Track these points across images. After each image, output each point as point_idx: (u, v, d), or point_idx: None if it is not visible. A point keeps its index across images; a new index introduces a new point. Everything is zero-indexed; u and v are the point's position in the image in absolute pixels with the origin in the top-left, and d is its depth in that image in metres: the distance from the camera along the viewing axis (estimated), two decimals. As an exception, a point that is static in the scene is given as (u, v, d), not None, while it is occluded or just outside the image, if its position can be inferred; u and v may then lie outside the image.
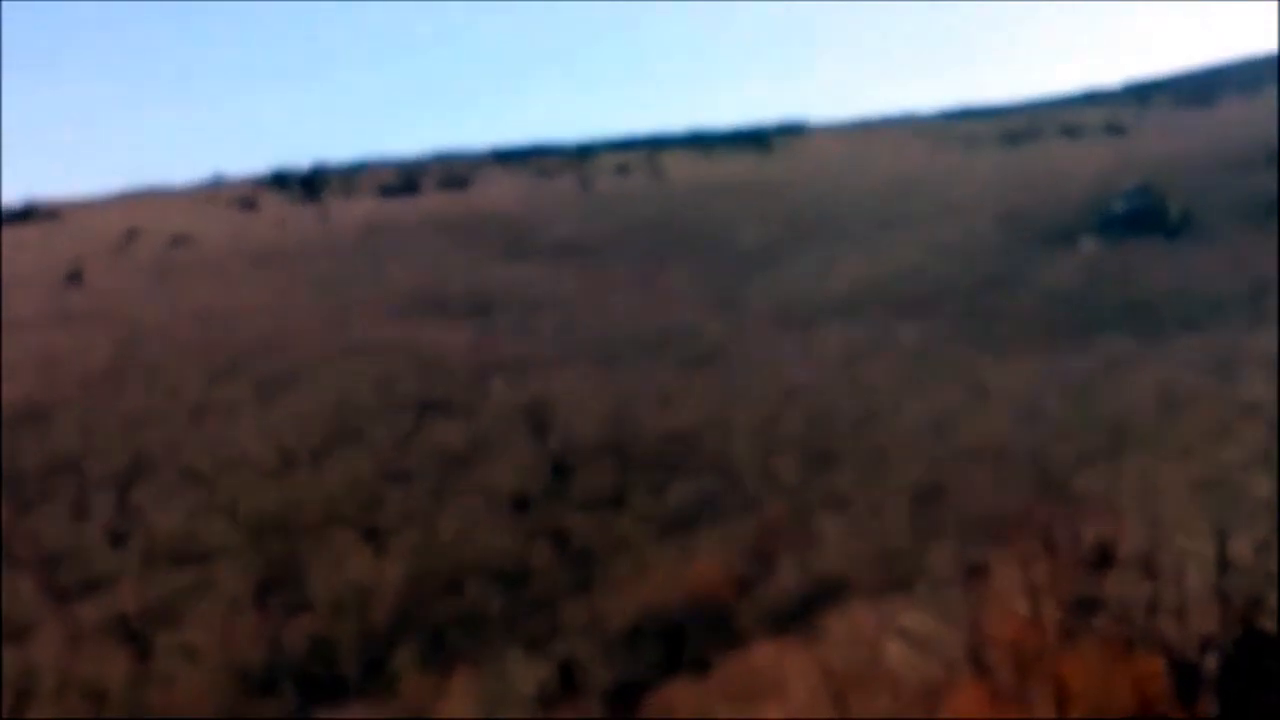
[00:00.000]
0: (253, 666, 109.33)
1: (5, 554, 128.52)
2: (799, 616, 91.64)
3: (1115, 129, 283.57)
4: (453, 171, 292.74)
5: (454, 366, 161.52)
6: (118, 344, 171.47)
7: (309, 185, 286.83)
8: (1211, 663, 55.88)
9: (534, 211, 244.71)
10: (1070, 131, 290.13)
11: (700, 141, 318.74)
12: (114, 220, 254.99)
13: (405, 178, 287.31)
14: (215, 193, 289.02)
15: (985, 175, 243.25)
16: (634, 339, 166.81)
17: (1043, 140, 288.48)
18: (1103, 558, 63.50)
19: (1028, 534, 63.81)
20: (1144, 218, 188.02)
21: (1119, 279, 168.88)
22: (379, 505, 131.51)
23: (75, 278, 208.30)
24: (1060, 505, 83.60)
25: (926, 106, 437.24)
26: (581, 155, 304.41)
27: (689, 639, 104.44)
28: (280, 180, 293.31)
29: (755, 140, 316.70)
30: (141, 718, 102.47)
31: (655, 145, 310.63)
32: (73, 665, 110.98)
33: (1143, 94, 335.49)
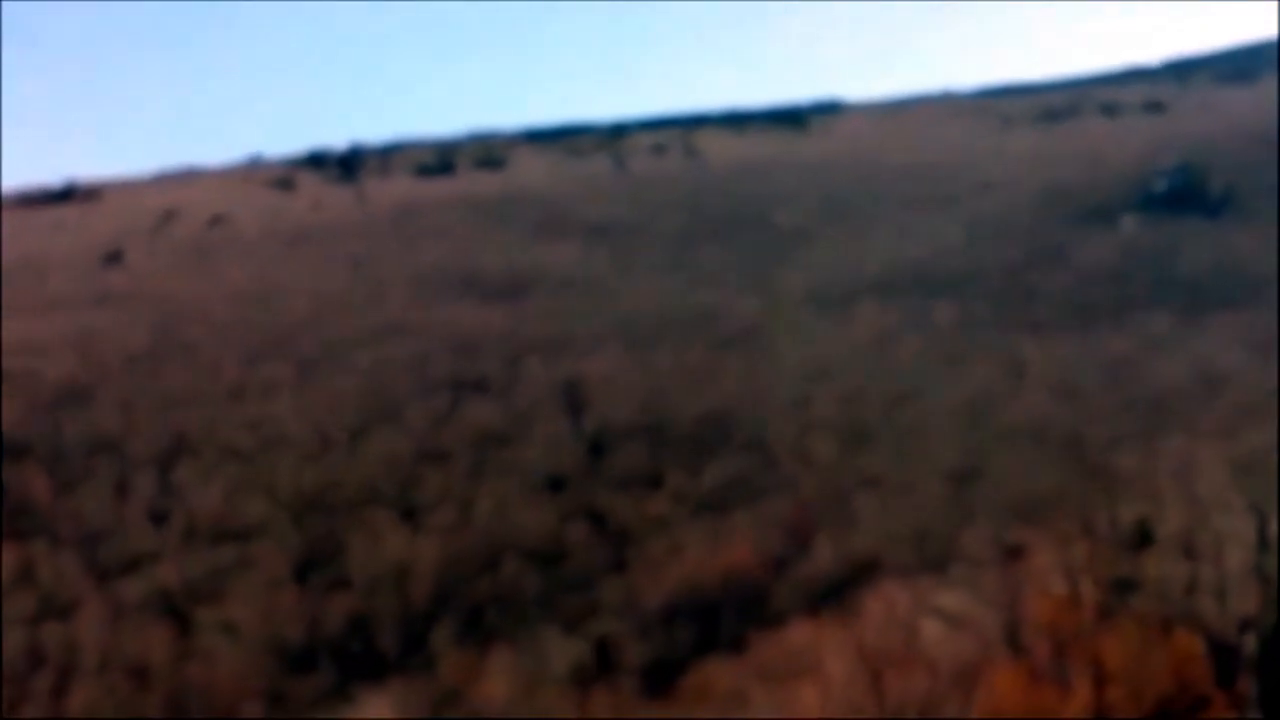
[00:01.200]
0: (292, 643, 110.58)
1: (48, 532, 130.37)
2: (834, 596, 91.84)
3: (1155, 107, 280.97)
4: (488, 151, 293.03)
5: (489, 347, 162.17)
6: (156, 324, 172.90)
7: (345, 165, 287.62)
8: (1250, 643, 55.69)
9: (568, 191, 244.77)
10: (1109, 109, 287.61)
11: (735, 120, 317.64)
12: (152, 201, 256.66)
13: (441, 158, 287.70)
14: (252, 173, 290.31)
15: (1023, 154, 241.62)
16: (668, 319, 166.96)
17: (1081, 118, 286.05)
18: (1141, 538, 63.30)
19: (1065, 514, 63.69)
20: (1184, 196, 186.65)
21: (1158, 258, 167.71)
22: (416, 484, 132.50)
23: (114, 258, 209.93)
24: (1098, 485, 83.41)
25: (964, 84, 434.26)
26: (615, 135, 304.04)
27: (724, 618, 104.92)
28: (317, 160, 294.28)
29: (790, 119, 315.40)
30: (183, 694, 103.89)
31: (690, 124, 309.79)
32: (115, 642, 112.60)
33: (1183, 71, 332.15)
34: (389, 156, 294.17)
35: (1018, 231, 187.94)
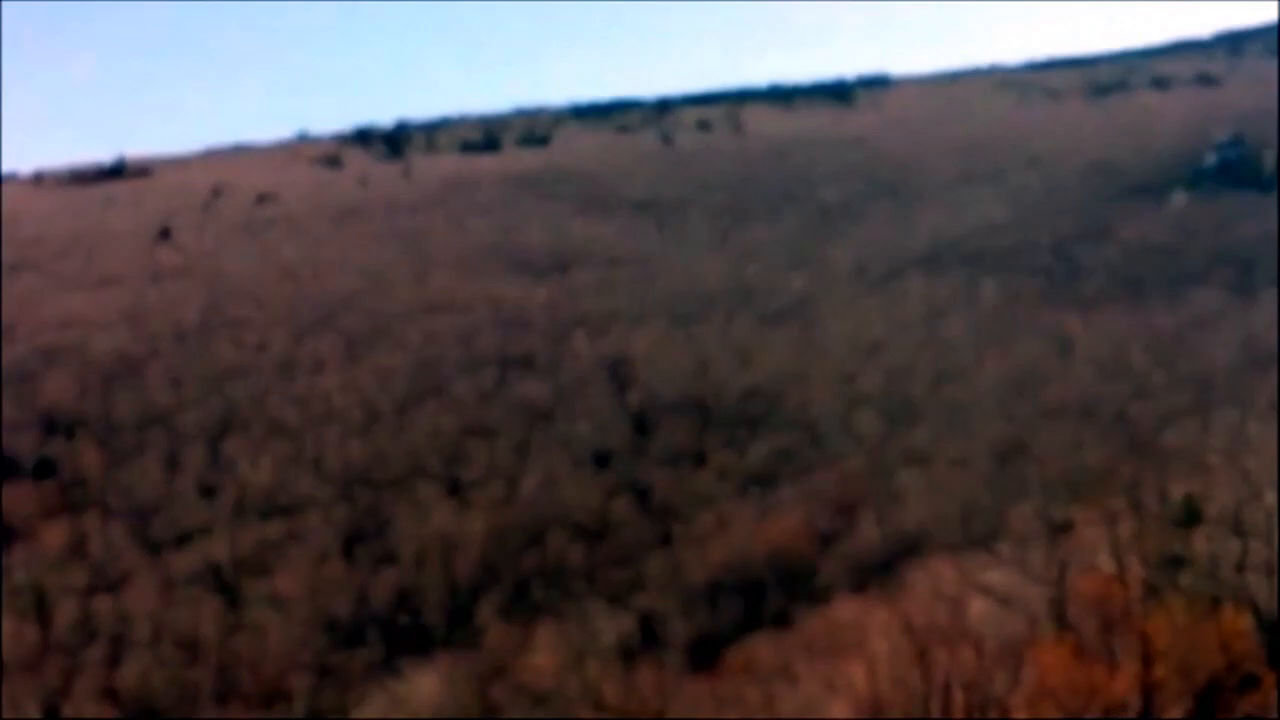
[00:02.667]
0: (340, 617, 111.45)
1: (99, 506, 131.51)
2: (880, 572, 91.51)
3: (1206, 80, 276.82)
4: (534, 128, 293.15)
5: (535, 322, 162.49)
6: (206, 300, 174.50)
7: (392, 142, 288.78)
8: (1301, 621, 55.14)
9: (614, 168, 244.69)
10: (1160, 82, 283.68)
11: (782, 96, 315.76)
12: (202, 178, 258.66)
13: (487, 134, 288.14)
14: (300, 150, 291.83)
15: (1071, 128, 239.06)
16: (714, 295, 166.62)
17: (1132, 91, 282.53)
18: (1190, 515, 62.70)
19: (1113, 491, 63.23)
20: (1236, 170, 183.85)
21: (1209, 233, 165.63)
22: (462, 459, 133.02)
23: (164, 235, 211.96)
24: (1146, 462, 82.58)
25: (1012, 58, 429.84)
26: (662, 111, 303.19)
27: (769, 593, 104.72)
28: (364, 137, 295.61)
29: (837, 94, 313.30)
30: (232, 666, 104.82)
31: (736, 100, 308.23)
32: (166, 614, 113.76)
33: (1235, 44, 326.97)
34: (435, 133, 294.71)
35: (1066, 206, 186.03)
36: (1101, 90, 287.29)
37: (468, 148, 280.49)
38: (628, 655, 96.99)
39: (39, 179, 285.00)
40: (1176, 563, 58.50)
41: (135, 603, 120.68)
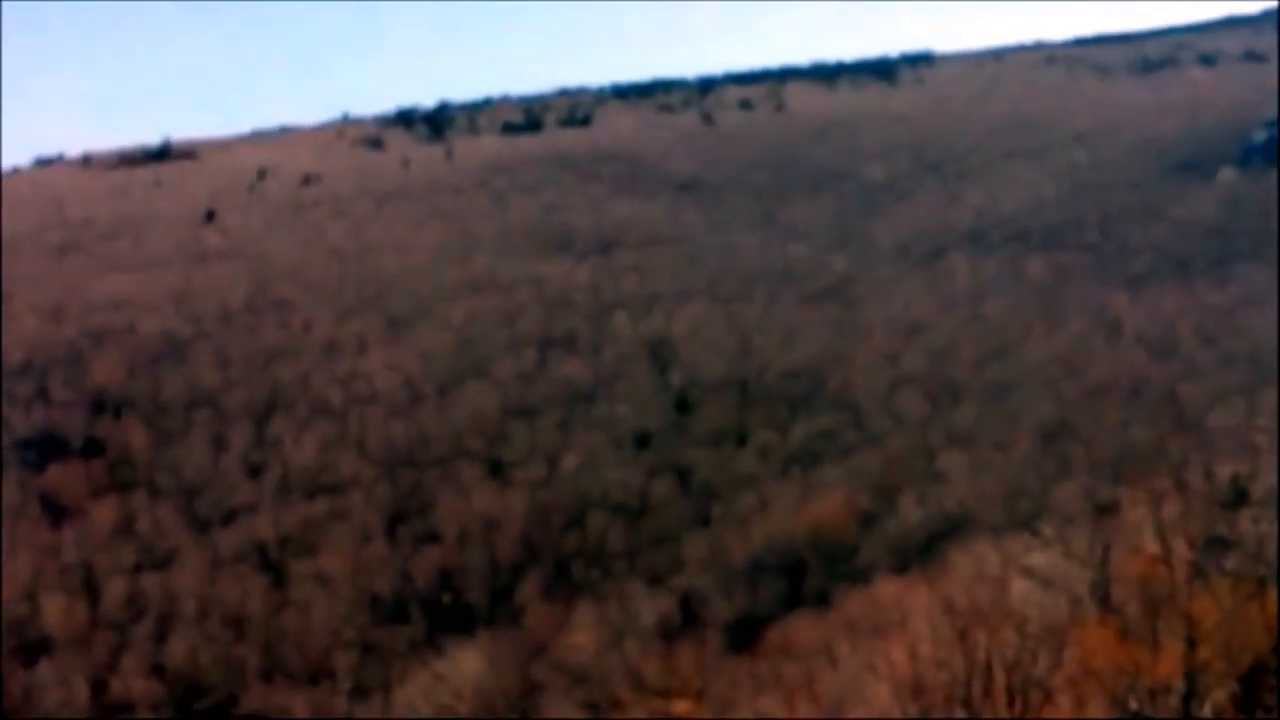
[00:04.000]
0: (384, 595, 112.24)
1: (147, 485, 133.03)
2: (922, 553, 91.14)
3: (1255, 56, 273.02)
4: (575, 108, 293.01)
5: (577, 302, 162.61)
6: (252, 281, 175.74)
7: (434, 124, 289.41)
8: (1348, 603, 54.44)
9: (656, 148, 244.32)
10: (1208, 59, 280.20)
11: (825, 74, 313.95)
12: (247, 160, 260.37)
13: (528, 115, 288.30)
14: (343, 132, 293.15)
15: (1118, 105, 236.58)
16: (756, 275, 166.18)
17: (1179, 68, 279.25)
18: (1236, 495, 61.98)
19: (1158, 471, 62.60)
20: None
21: (1258, 210, 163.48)
22: (504, 439, 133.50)
23: (211, 217, 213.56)
24: (1192, 442, 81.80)
25: (1059, 34, 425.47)
26: (704, 90, 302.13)
27: (810, 573, 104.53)
28: (406, 119, 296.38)
29: (881, 72, 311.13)
30: (278, 642, 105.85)
31: (779, 78, 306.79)
32: (212, 591, 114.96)
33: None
34: (477, 114, 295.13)
35: (1113, 184, 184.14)
36: (1149, 67, 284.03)
37: (509, 129, 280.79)
38: (668, 635, 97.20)
39: (87, 162, 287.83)
40: (1222, 544, 57.83)
41: (182, 580, 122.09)
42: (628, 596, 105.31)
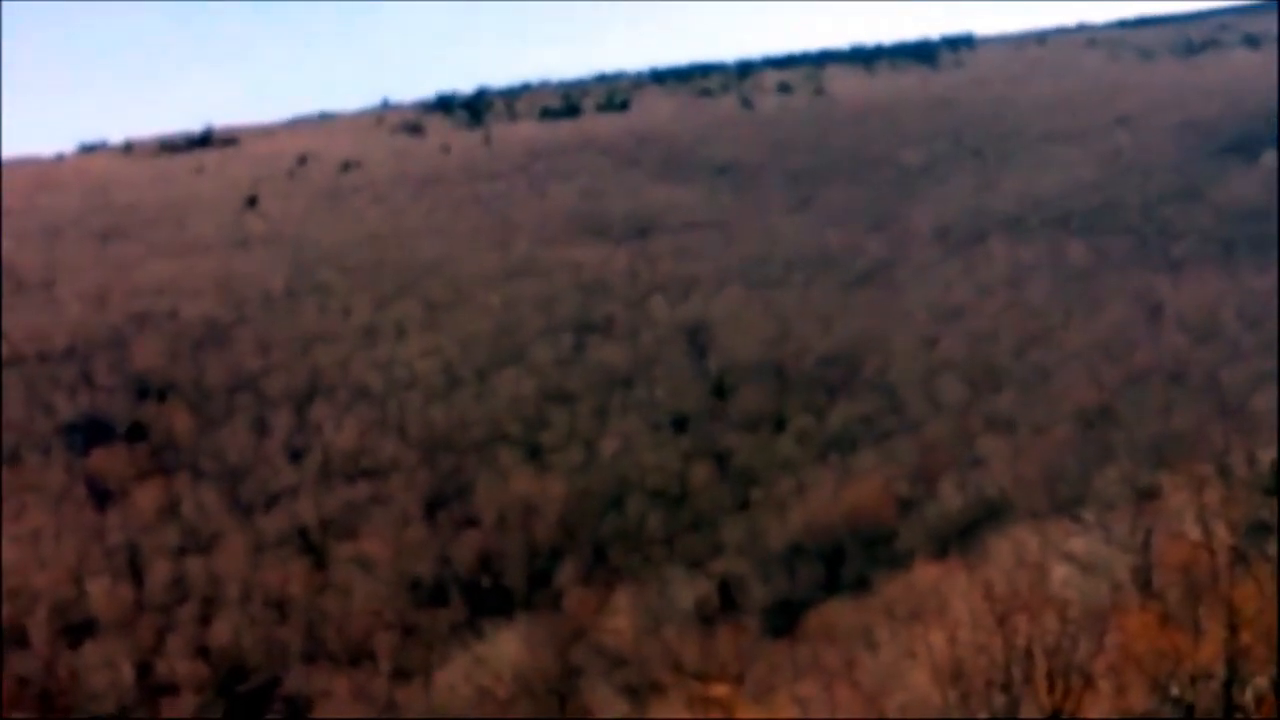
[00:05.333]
0: (424, 578, 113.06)
1: (190, 468, 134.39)
2: (962, 538, 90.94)
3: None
4: (613, 93, 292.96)
5: (614, 287, 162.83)
6: (292, 266, 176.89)
7: (473, 109, 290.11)
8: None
9: (694, 132, 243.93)
10: (1252, 40, 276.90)
11: (865, 57, 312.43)
12: (287, 146, 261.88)
13: (566, 100, 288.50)
14: (382, 118, 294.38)
15: (1161, 87, 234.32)
16: (794, 259, 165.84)
17: (1223, 50, 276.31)
18: (1279, 481, 61.64)
19: (1200, 456, 62.28)
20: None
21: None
22: (542, 424, 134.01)
23: (252, 202, 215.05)
24: (1235, 427, 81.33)
25: (1101, 16, 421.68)
26: (742, 74, 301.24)
27: (849, 558, 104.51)
28: (445, 105, 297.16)
29: (921, 55, 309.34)
30: (320, 625, 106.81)
31: (818, 62, 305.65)
32: (255, 574, 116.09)
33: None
34: (515, 100, 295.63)
35: (1155, 167, 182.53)
36: (1192, 49, 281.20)
37: (548, 114, 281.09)
38: (706, 619, 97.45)
39: (129, 148, 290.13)
40: (1264, 529, 57.55)
41: (225, 563, 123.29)
42: (666, 580, 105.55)
